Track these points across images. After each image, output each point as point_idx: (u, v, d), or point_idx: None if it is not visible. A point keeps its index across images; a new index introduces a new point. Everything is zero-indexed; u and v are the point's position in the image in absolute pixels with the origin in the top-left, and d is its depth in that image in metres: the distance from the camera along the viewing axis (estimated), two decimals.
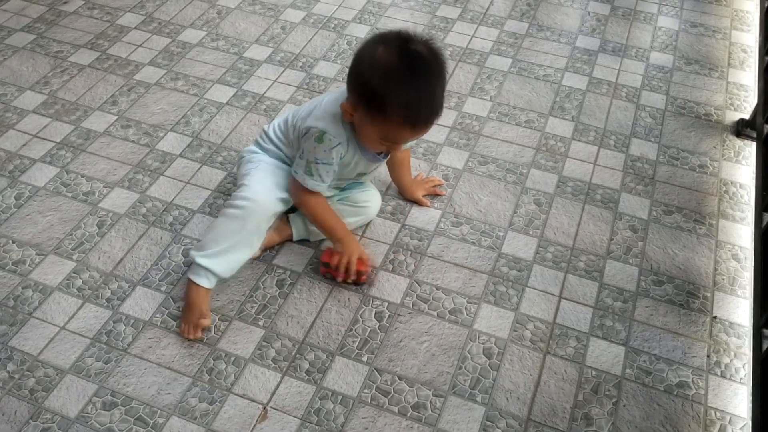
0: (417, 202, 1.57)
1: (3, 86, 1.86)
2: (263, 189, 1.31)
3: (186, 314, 1.30)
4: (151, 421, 1.19)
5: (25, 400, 1.21)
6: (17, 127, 1.74)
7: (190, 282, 1.29)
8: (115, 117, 1.78)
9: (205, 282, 1.28)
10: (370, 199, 1.49)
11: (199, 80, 1.89)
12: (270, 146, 1.40)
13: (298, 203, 1.37)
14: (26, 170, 1.63)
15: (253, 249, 1.33)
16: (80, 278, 1.40)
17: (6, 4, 2.15)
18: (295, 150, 1.35)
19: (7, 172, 1.62)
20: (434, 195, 1.59)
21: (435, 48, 1.19)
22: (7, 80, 1.88)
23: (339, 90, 1.32)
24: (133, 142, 1.71)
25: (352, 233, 1.41)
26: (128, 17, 2.12)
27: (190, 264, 1.35)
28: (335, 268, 1.35)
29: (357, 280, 1.37)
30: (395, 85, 1.15)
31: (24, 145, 1.69)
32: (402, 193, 1.58)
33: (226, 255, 1.29)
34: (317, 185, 1.31)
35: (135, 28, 2.08)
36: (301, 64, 1.97)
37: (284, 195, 1.34)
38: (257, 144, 1.43)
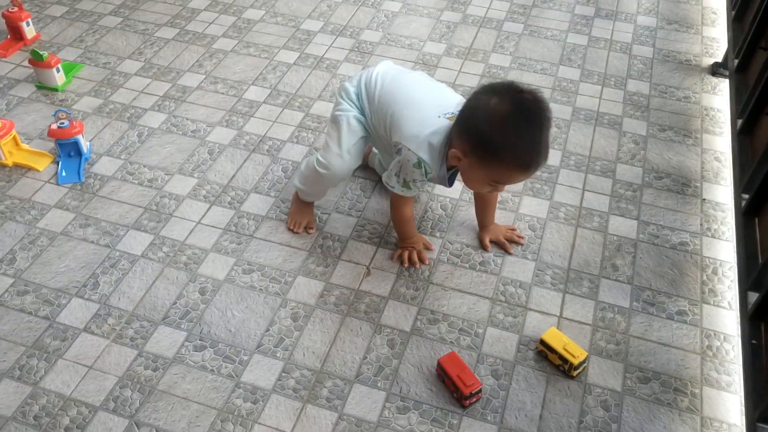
0: (499, 244, 1.63)
1: (106, 56, 2.21)
2: (341, 162, 1.51)
3: (294, 215, 1.66)
4: (282, 280, 1.55)
5: (182, 270, 1.56)
6: (125, 86, 2.10)
7: (296, 192, 1.65)
8: (203, 76, 2.14)
9: (305, 197, 1.64)
10: None
11: (267, 47, 2.27)
12: (363, 100, 1.52)
13: (395, 211, 1.53)
14: (141, 116, 1.98)
15: (331, 187, 1.65)
16: (204, 189, 1.76)
17: None
18: (382, 134, 1.49)
19: (125, 118, 1.98)
20: (513, 243, 1.64)
21: (541, 97, 1.25)
22: (108, 52, 2.24)
23: (437, 114, 1.39)
24: (222, 93, 2.07)
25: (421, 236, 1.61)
26: (197, 1, 2.49)
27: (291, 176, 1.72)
28: (405, 260, 1.57)
29: (462, 402, 1.33)
30: (512, 134, 1.22)
31: (134, 98, 2.05)
32: (481, 232, 1.64)
33: (311, 191, 1.62)
34: (414, 192, 1.46)
35: (204, 9, 2.45)
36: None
37: (358, 163, 1.56)
38: (342, 98, 1.54)
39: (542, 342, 1.40)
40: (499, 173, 1.29)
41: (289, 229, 1.65)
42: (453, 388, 1.33)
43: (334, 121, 1.53)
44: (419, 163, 1.38)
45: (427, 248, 1.61)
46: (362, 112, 1.51)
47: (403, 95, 1.45)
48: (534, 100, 1.23)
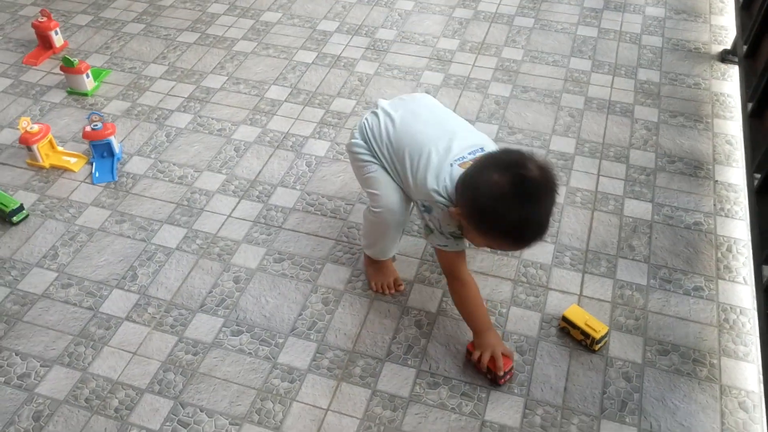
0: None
1: (131, 62, 2.30)
2: (388, 199, 1.43)
3: (375, 277, 1.57)
4: (312, 267, 1.61)
5: (216, 261, 1.63)
6: (151, 89, 2.18)
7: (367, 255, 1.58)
8: (226, 77, 2.22)
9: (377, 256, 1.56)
10: None
11: (286, 48, 2.34)
12: (378, 155, 1.46)
13: (452, 279, 1.43)
14: (168, 117, 2.06)
15: (398, 237, 1.51)
16: (232, 184, 1.83)
17: (114, 3, 2.60)
18: (405, 172, 1.40)
19: (153, 119, 2.06)
20: None
21: (548, 171, 1.22)
22: (133, 57, 2.32)
23: (449, 162, 1.33)
24: (245, 93, 2.15)
25: (494, 327, 1.43)
26: (215, 6, 2.57)
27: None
28: (477, 362, 1.39)
29: (495, 379, 1.38)
30: (504, 210, 1.21)
31: (160, 101, 2.13)
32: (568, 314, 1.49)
33: (379, 245, 1.52)
34: (465, 243, 1.40)
35: (223, 14, 2.53)
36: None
37: (406, 204, 1.47)
38: (366, 141, 1.48)
39: (564, 319, 1.45)
40: (492, 242, 1.31)
41: (375, 292, 1.57)
42: (486, 370, 1.39)
43: (361, 177, 1.51)
44: (443, 206, 1.33)
45: (505, 354, 1.40)
46: (380, 163, 1.47)
47: (413, 146, 1.39)
48: (537, 174, 1.20)
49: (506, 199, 1.20)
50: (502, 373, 1.36)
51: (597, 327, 1.42)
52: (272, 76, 2.22)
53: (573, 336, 1.46)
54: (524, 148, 1.32)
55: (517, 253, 1.63)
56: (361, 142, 1.48)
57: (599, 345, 1.43)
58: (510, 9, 2.54)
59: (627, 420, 1.33)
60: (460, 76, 2.21)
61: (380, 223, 1.47)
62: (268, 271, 1.61)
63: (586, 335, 1.42)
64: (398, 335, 1.48)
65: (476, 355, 1.38)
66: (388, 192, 1.44)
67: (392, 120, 1.45)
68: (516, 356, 1.43)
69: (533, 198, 1.20)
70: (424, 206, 1.36)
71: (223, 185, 1.83)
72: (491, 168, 1.23)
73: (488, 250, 1.63)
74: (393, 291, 1.56)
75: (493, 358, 1.36)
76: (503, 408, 1.35)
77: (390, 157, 1.43)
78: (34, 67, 2.28)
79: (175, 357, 1.45)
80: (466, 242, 1.40)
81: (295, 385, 1.40)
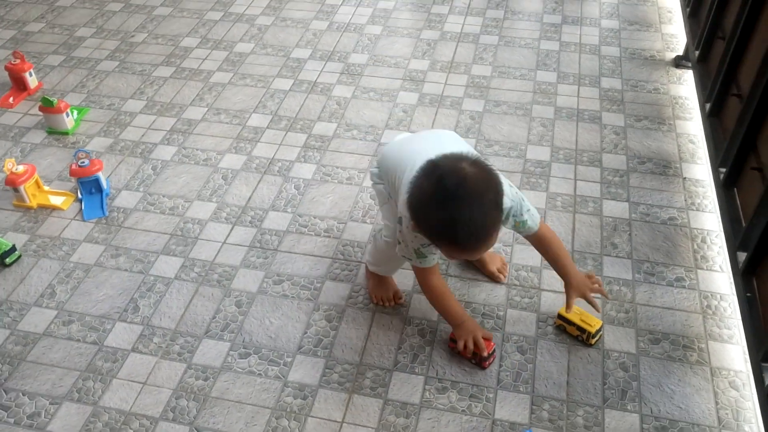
0: (586, 300, 1.49)
1: (109, 98, 2.32)
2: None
3: (376, 290, 1.61)
4: (311, 286, 1.66)
5: (216, 287, 1.66)
6: (132, 124, 2.20)
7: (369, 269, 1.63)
8: (206, 108, 2.26)
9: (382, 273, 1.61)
10: None
11: (262, 77, 2.39)
12: (385, 179, 1.50)
13: (422, 286, 1.48)
14: (152, 150, 2.08)
15: (404, 260, 1.47)
16: (224, 212, 1.87)
17: (84, 42, 2.61)
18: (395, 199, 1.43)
19: (137, 153, 2.08)
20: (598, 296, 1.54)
21: (476, 166, 1.22)
22: (110, 94, 2.34)
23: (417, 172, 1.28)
24: (226, 123, 2.19)
25: (469, 317, 1.49)
26: (187, 40, 2.61)
27: None
28: (463, 350, 1.46)
29: (480, 361, 1.46)
30: (433, 218, 1.22)
31: (143, 135, 2.15)
32: (566, 288, 1.49)
33: (386, 267, 1.60)
34: (432, 260, 1.41)
35: (196, 47, 2.57)
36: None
37: None
38: (379, 167, 1.53)
39: (559, 316, 1.53)
40: (441, 249, 1.29)
41: (376, 304, 1.62)
42: (471, 355, 1.47)
43: (379, 206, 1.61)
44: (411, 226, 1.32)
45: (486, 337, 1.47)
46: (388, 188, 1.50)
47: (402, 162, 1.40)
48: (457, 179, 1.19)
49: (429, 203, 1.21)
50: (486, 354, 1.45)
51: (591, 322, 1.49)
52: (252, 104, 2.27)
53: (569, 332, 1.53)
54: (465, 151, 1.30)
55: (507, 258, 1.71)
56: (375, 170, 1.55)
57: (595, 339, 1.50)
58: (474, 28, 2.65)
59: (629, 407, 1.40)
60: (434, 94, 2.29)
61: (389, 251, 1.50)
62: (269, 293, 1.65)
63: (582, 330, 1.50)
64: (403, 345, 1.53)
65: (460, 344, 1.46)
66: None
67: (395, 142, 1.53)
68: (518, 356, 1.50)
69: (456, 197, 1.18)
70: (399, 219, 1.38)
71: (215, 213, 1.86)
72: (421, 175, 1.24)
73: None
74: (393, 304, 1.61)
75: (475, 344, 1.44)
76: (511, 406, 1.41)
77: (388, 177, 1.47)
78: (10, 110, 2.28)
79: (186, 383, 1.47)
80: (433, 258, 1.40)
81: (308, 401, 1.43)
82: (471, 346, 1.45)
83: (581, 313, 1.51)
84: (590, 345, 1.51)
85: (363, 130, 2.15)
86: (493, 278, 1.67)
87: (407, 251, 1.40)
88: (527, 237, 1.48)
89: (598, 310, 1.51)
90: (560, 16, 2.72)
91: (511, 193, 1.36)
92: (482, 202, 1.20)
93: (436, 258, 1.41)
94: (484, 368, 1.47)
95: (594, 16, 2.71)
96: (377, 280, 1.62)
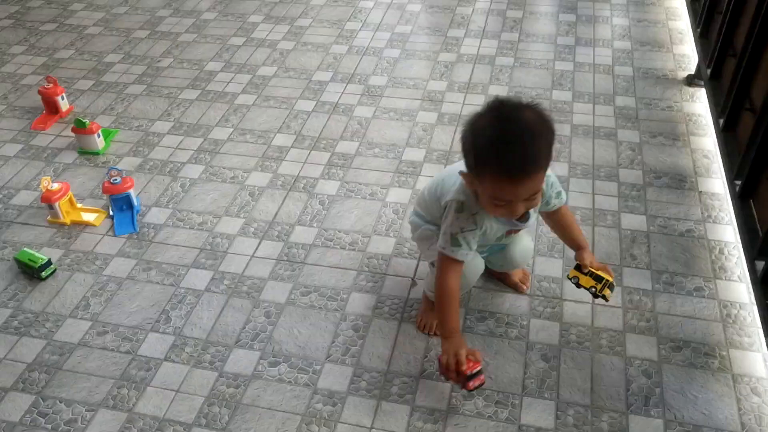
0: (594, 267, 1.51)
1: (137, 120, 2.40)
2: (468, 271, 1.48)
3: (424, 316, 1.63)
4: (338, 297, 1.70)
5: (245, 299, 1.71)
6: (160, 144, 2.27)
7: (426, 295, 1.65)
8: (232, 129, 2.33)
9: None
10: (514, 249, 1.59)
11: (286, 99, 2.47)
12: (426, 216, 1.56)
13: (437, 281, 1.43)
14: (180, 169, 2.15)
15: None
16: (251, 227, 1.92)
17: (113, 67, 2.71)
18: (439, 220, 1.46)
19: (166, 172, 2.15)
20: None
21: (536, 110, 1.24)
22: (138, 116, 2.42)
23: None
24: (252, 143, 2.26)
25: (459, 335, 1.44)
26: (212, 65, 2.70)
27: None
28: (445, 368, 1.40)
29: (465, 385, 1.39)
30: (487, 141, 1.23)
31: (171, 154, 2.22)
32: (578, 252, 1.54)
33: None
34: (465, 254, 1.40)
35: (221, 71, 2.66)
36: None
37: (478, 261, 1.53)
38: (418, 215, 1.59)
39: (575, 268, 1.51)
40: (489, 185, 1.27)
41: (419, 330, 1.63)
42: (454, 376, 1.40)
43: (426, 253, 1.63)
44: (461, 206, 1.37)
45: (472, 356, 1.41)
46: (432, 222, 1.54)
47: (439, 182, 1.49)
48: (523, 112, 1.23)
49: (485, 128, 1.24)
50: (469, 373, 1.37)
51: (606, 275, 1.49)
52: (276, 125, 2.34)
53: (583, 284, 1.50)
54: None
55: (528, 269, 1.74)
56: (414, 216, 1.59)
57: (609, 291, 1.48)
58: (490, 50, 2.72)
59: (652, 413, 1.42)
60: (452, 113, 2.35)
61: None
62: (297, 304, 1.69)
63: (599, 279, 1.48)
64: (429, 353, 1.57)
65: (443, 358, 1.40)
66: None
67: (426, 185, 1.57)
68: (542, 364, 1.53)
69: (512, 123, 1.22)
70: (445, 204, 1.41)
71: (242, 228, 1.92)
72: (483, 110, 1.27)
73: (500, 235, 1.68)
74: (434, 334, 1.60)
75: (457, 361, 1.37)
76: (536, 412, 1.44)
77: (430, 204, 1.50)
78: (43, 132, 2.36)
79: (218, 391, 1.51)
80: (466, 252, 1.40)
81: (338, 408, 1.46)
82: (452, 362, 1.37)
83: (597, 270, 1.51)
84: (603, 296, 1.48)
85: (384, 148, 2.21)
86: (516, 289, 1.71)
87: (443, 239, 1.39)
88: (552, 213, 1.51)
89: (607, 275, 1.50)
90: (573, 38, 2.79)
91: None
92: (538, 136, 1.22)
93: (469, 253, 1.40)
94: (468, 390, 1.40)
95: (606, 38, 2.78)
96: (429, 306, 1.64)
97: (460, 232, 1.37)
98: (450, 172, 1.46)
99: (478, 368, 1.40)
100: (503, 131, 1.22)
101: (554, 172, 1.46)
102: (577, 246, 1.55)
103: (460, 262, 1.41)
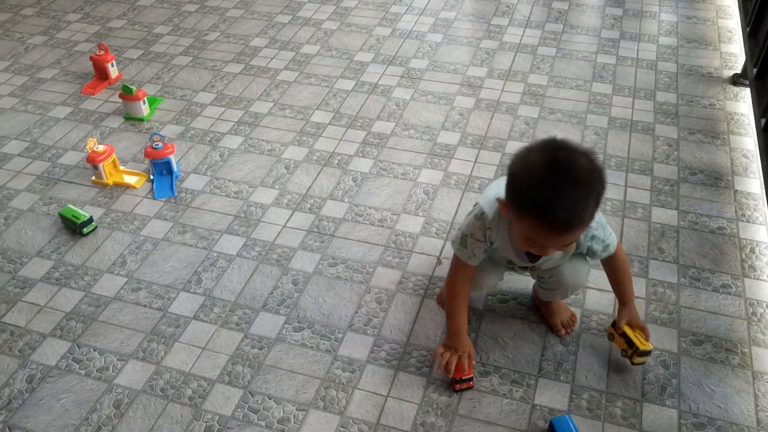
0: (633, 325, 1.48)
1: (182, 90, 2.47)
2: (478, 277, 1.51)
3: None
4: (364, 271, 1.74)
5: (275, 266, 1.76)
6: (203, 114, 2.34)
7: None
8: (272, 104, 2.38)
9: None
10: (564, 266, 1.48)
11: (326, 77, 2.51)
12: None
13: (448, 279, 1.50)
14: (220, 139, 2.22)
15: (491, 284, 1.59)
16: (285, 198, 1.98)
17: (162, 38, 2.79)
18: None
19: (206, 141, 2.21)
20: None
21: (591, 160, 1.19)
22: (183, 86, 2.49)
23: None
24: (291, 118, 2.31)
25: (467, 335, 1.48)
26: (257, 41, 2.76)
27: None
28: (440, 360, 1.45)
29: (452, 384, 1.46)
30: (536, 184, 1.18)
31: (212, 125, 2.29)
32: (620, 307, 1.51)
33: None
34: (468, 258, 1.42)
35: (265, 47, 2.72)
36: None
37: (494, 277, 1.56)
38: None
39: (612, 325, 1.50)
40: (527, 225, 1.23)
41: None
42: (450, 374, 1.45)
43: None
44: (480, 216, 1.39)
45: (470, 360, 1.47)
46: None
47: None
48: (579, 160, 1.17)
49: (539, 172, 1.18)
50: (457, 377, 1.44)
51: (643, 341, 1.45)
52: (315, 102, 2.38)
53: (616, 344, 1.49)
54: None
55: (576, 315, 1.62)
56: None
57: (640, 358, 1.45)
58: (533, 40, 2.72)
59: (667, 403, 1.43)
60: (490, 100, 2.37)
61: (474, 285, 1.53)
62: (324, 274, 1.74)
63: (631, 345, 1.44)
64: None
65: (438, 349, 1.46)
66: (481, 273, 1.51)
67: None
68: (560, 348, 1.54)
69: (567, 176, 1.16)
70: (477, 214, 1.41)
71: (276, 199, 1.97)
72: (536, 147, 1.23)
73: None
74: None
75: (449, 361, 1.43)
76: (551, 393, 1.46)
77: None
78: (92, 96, 2.45)
79: (242, 351, 1.56)
80: (472, 256, 1.42)
81: (356, 375, 1.50)
82: (452, 362, 1.43)
83: (635, 332, 1.48)
84: (632, 362, 1.47)
85: (420, 130, 2.24)
86: (554, 331, 1.58)
87: (456, 234, 1.44)
88: (603, 260, 1.48)
89: (644, 337, 1.46)
90: (618, 31, 2.76)
91: (597, 216, 1.33)
92: (589, 193, 1.18)
93: (474, 258, 1.42)
94: (455, 390, 1.46)
95: (652, 33, 2.75)
96: None
97: (470, 237, 1.41)
98: (491, 189, 1.43)
99: (470, 376, 1.46)
100: (555, 178, 1.16)
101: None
102: (621, 300, 1.51)
103: (472, 267, 1.44)
